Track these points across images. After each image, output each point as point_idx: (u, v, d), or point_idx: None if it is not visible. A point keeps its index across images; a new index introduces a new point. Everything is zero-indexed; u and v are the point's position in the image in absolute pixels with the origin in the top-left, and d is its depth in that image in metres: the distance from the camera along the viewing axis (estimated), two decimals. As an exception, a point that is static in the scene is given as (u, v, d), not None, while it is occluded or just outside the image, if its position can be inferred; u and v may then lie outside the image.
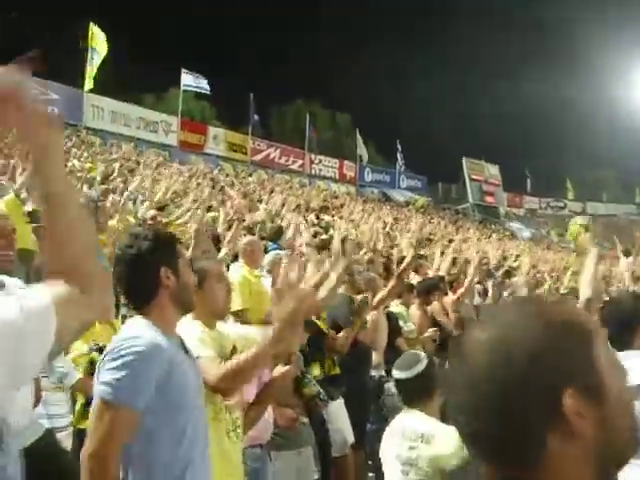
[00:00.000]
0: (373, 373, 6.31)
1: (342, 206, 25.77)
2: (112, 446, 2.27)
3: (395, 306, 7.17)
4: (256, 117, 43.51)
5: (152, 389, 2.31)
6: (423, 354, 3.65)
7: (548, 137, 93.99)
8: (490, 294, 9.20)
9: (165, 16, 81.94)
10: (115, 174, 14.86)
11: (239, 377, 2.74)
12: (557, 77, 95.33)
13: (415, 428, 3.30)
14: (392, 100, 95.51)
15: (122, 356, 2.30)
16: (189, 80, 38.40)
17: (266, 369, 3.97)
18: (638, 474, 4.25)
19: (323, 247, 9.04)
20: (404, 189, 53.92)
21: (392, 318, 6.78)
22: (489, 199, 59.40)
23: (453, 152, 60.91)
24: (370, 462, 5.90)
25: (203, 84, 38.95)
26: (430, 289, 7.69)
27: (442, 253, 11.57)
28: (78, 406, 4.51)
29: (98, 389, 2.33)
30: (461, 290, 8.03)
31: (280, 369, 3.84)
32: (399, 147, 54.07)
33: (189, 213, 8.67)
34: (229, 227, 9.09)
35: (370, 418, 6.05)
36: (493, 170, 60.56)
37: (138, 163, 21.68)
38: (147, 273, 2.54)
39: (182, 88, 38.54)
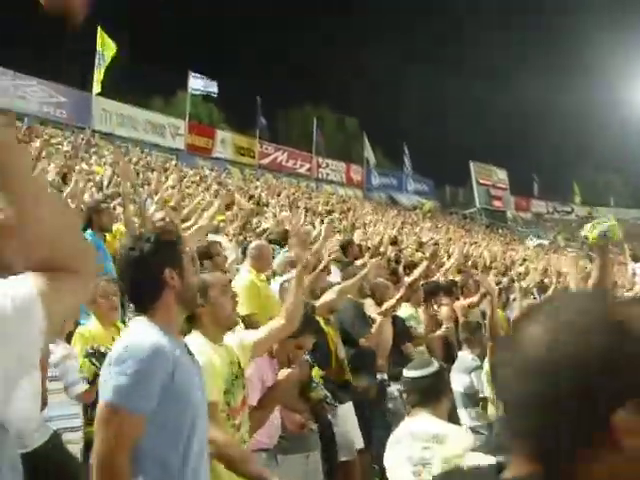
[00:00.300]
0: (377, 377, 6.30)
1: (349, 210, 25.77)
2: (121, 453, 2.26)
3: (405, 307, 7.16)
4: (264, 121, 43.59)
5: (158, 391, 2.31)
6: (434, 359, 3.69)
7: (555, 141, 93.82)
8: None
9: (172, 18, 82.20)
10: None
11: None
12: (565, 81, 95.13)
13: (426, 429, 3.29)
14: (399, 104, 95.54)
15: (127, 361, 2.30)
16: (197, 84, 38.51)
17: (269, 373, 3.99)
18: (468, 421, 4.25)
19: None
20: (411, 193, 53.88)
21: (398, 322, 6.78)
22: (497, 203, 59.33)
23: (460, 156, 60.96)
24: (375, 466, 5.88)
25: (211, 86, 39.04)
26: (432, 291, 7.78)
27: (449, 256, 11.58)
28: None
29: (104, 394, 2.32)
30: (473, 299, 8.04)
31: (284, 372, 3.85)
32: (406, 150, 54.04)
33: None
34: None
35: (373, 423, 6.05)
36: (501, 174, 60.50)
37: (147, 166, 21.73)
38: (151, 275, 2.54)
39: (190, 91, 38.65)
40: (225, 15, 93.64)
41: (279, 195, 22.54)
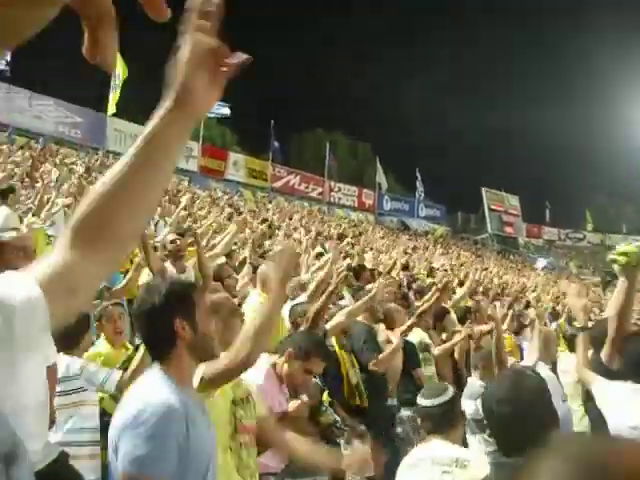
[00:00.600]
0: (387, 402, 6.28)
1: (361, 234, 25.78)
2: None
3: (416, 332, 7.15)
4: (276, 144, 43.84)
5: (175, 452, 2.29)
6: (449, 386, 3.66)
7: (568, 169, 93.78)
8: (507, 324, 9.11)
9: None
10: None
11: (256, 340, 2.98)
12: (578, 110, 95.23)
13: (448, 454, 3.25)
14: (413, 130, 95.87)
15: (141, 426, 2.26)
16: (210, 106, 38.80)
17: (281, 398, 3.96)
18: (479, 446, 4.21)
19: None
20: (423, 218, 53.91)
21: (408, 347, 6.76)
22: (508, 229, 59.29)
23: (473, 182, 61.05)
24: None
25: (223, 109, 39.32)
26: (439, 315, 7.86)
27: (461, 284, 11.54)
28: None
29: (124, 465, 2.26)
30: (486, 327, 8.00)
31: (294, 404, 3.83)
32: (418, 176, 54.15)
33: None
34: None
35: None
36: (513, 200, 60.51)
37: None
38: (161, 326, 2.55)
39: (204, 114, 38.91)
40: (241, 37, 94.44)
41: (291, 219, 22.58)
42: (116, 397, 4.11)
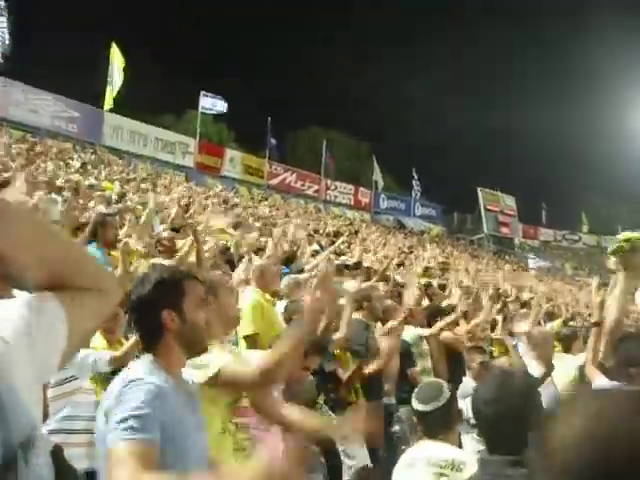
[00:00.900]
0: (384, 401, 6.27)
1: (357, 233, 25.76)
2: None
3: (410, 329, 7.16)
4: (273, 141, 43.80)
5: (158, 427, 2.27)
6: (444, 385, 3.61)
7: (564, 170, 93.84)
8: (500, 326, 9.10)
9: (187, 37, 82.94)
10: (131, 194, 14.93)
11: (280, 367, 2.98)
12: (576, 111, 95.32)
13: (444, 455, 3.22)
14: (412, 129, 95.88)
15: (128, 400, 2.24)
16: (207, 102, 38.71)
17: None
18: (473, 444, 4.20)
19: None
20: (419, 217, 53.91)
21: (403, 345, 6.76)
22: (504, 230, 59.33)
23: (469, 182, 61.06)
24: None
25: (220, 105, 39.22)
26: (434, 313, 7.87)
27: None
28: None
29: (113, 436, 2.21)
30: (475, 321, 7.99)
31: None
32: (415, 175, 54.15)
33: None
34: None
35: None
36: (509, 201, 60.53)
37: (154, 185, 21.76)
38: (149, 317, 2.56)
39: (200, 111, 38.84)
40: (240, 35, 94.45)
41: (287, 216, 22.56)
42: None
